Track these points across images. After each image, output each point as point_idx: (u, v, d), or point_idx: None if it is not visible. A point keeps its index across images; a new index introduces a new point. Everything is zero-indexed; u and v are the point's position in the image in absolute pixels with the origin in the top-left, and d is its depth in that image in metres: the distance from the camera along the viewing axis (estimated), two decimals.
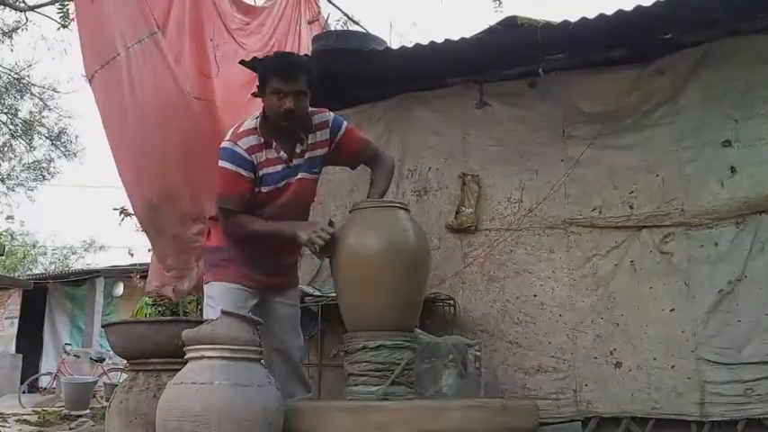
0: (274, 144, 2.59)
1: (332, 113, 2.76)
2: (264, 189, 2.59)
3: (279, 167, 2.61)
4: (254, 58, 4.11)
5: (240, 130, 2.60)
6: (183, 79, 3.67)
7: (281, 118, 2.54)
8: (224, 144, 2.58)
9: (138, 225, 3.70)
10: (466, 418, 2.12)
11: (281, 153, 2.60)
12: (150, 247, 3.85)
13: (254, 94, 2.72)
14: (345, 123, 2.77)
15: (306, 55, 4.31)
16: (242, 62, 4.11)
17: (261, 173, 2.57)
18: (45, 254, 25.15)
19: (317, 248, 2.46)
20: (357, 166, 2.93)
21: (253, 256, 2.64)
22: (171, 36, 3.77)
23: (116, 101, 3.54)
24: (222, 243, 2.70)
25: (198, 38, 4.02)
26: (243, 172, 2.53)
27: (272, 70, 2.56)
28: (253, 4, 5.12)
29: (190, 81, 3.77)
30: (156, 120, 3.53)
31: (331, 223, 2.53)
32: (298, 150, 2.64)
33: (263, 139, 2.57)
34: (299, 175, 2.66)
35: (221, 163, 2.56)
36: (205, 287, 2.73)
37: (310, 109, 2.67)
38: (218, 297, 2.61)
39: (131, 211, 4.06)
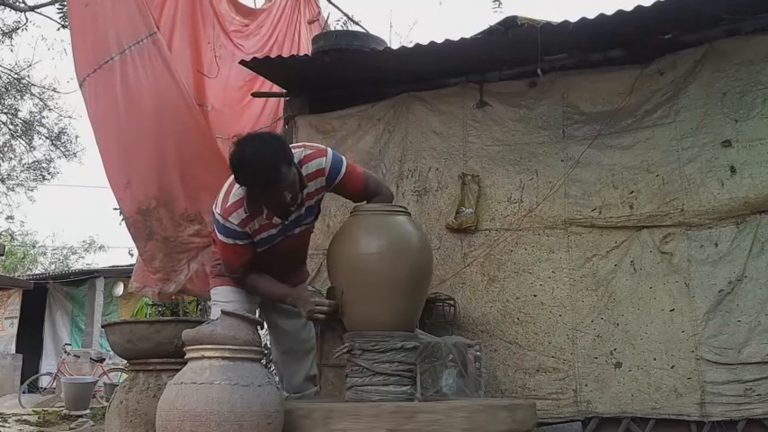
0: (265, 212, 2.49)
1: (329, 156, 2.53)
2: (261, 248, 2.58)
3: (274, 230, 2.55)
4: (254, 58, 4.12)
5: (228, 203, 2.46)
6: (181, 79, 3.66)
7: (284, 210, 2.48)
8: (216, 217, 2.50)
9: (127, 228, 3.67)
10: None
11: (274, 219, 2.52)
12: (136, 249, 3.82)
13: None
14: (345, 165, 2.56)
15: (306, 55, 4.32)
16: (242, 62, 4.11)
17: (257, 238, 2.54)
18: (45, 254, 25.16)
19: (322, 319, 2.48)
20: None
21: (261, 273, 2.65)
22: (164, 37, 3.75)
23: (108, 104, 3.52)
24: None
25: (192, 39, 4.02)
26: (240, 242, 2.49)
27: (256, 187, 2.38)
28: (252, 5, 5.12)
29: (186, 82, 3.77)
30: (153, 121, 3.51)
31: (331, 292, 2.49)
32: (293, 209, 2.54)
33: (249, 213, 2.47)
34: (297, 230, 2.62)
35: (219, 237, 2.51)
36: (212, 291, 2.75)
37: (304, 153, 2.52)
38: (225, 297, 2.63)
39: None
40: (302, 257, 2.87)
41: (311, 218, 2.67)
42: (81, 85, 3.60)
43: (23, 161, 14.77)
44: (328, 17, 5.99)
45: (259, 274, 2.60)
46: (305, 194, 2.53)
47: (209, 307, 3.01)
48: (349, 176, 2.57)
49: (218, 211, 2.48)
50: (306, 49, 4.97)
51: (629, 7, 3.33)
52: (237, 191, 2.45)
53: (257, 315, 2.71)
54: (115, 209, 7.58)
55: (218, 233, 2.50)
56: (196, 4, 4.10)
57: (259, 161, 2.30)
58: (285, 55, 4.31)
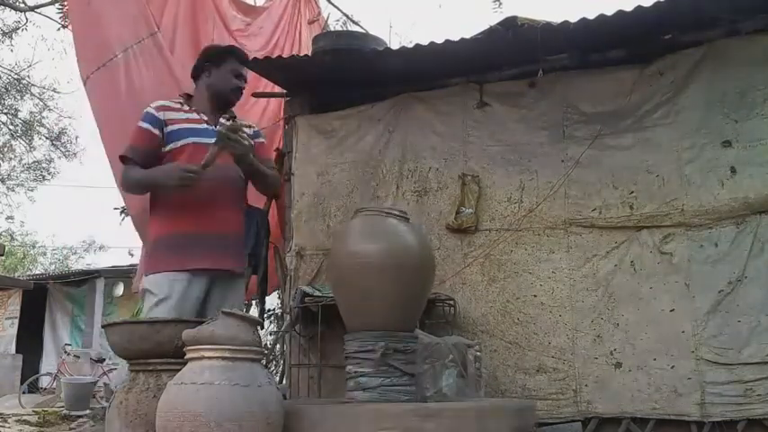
0: (196, 112, 2.82)
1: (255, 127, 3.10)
2: (182, 143, 2.71)
3: (201, 125, 2.79)
4: (255, 58, 4.11)
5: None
6: (182, 79, 3.67)
7: (232, 92, 2.92)
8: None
9: (134, 226, 3.67)
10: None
11: (203, 115, 2.83)
12: (142, 248, 3.82)
13: (194, 76, 2.94)
14: (263, 138, 3.15)
15: (306, 55, 4.32)
16: (243, 62, 4.11)
17: (171, 128, 2.73)
18: (45, 254, 25.16)
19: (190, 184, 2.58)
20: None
21: (190, 240, 2.68)
22: (166, 36, 3.76)
23: (113, 102, 3.53)
24: (159, 233, 2.75)
25: (194, 38, 4.02)
26: (145, 125, 2.73)
27: (233, 54, 2.99)
28: (252, 3, 5.12)
29: (186, 81, 3.77)
30: None
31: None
32: (224, 122, 2.75)
33: (181, 104, 2.81)
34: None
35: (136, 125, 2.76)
36: (145, 278, 2.76)
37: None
38: (161, 287, 2.64)
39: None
40: (236, 194, 2.89)
41: None
42: (84, 84, 3.60)
43: (23, 161, 14.81)
44: (328, 17, 5.99)
45: (138, 168, 2.73)
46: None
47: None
48: (261, 145, 3.06)
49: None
50: (306, 49, 4.97)
51: (629, 7, 3.33)
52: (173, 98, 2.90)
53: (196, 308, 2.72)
54: (116, 209, 7.62)
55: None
56: (197, 3, 4.10)
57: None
58: (286, 55, 4.31)
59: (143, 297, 2.76)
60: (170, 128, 2.75)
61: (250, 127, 2.95)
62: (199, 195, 2.65)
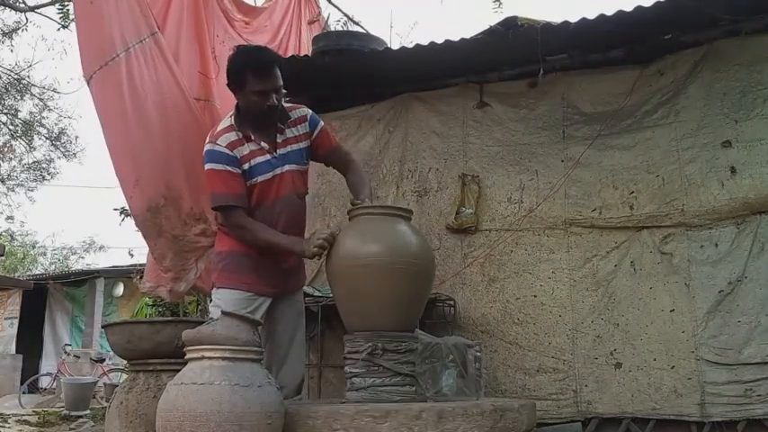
0: (253, 137, 2.61)
1: (309, 109, 2.80)
2: (254, 180, 2.60)
3: (264, 158, 2.62)
4: None
5: (217, 130, 2.61)
6: (182, 78, 3.66)
7: (264, 115, 2.59)
8: (205, 147, 2.59)
9: (137, 226, 3.66)
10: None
11: (263, 143, 2.63)
12: (147, 248, 3.81)
13: (230, 86, 2.71)
14: (322, 122, 2.85)
15: (306, 55, 4.32)
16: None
17: (246, 166, 2.58)
18: (45, 254, 25.16)
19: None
20: (329, 165, 2.96)
21: (263, 261, 2.63)
22: (169, 36, 3.76)
23: (115, 101, 3.52)
24: (233, 248, 2.67)
25: (198, 37, 4.02)
26: (230, 168, 2.55)
27: (249, 69, 2.54)
28: (253, 4, 5.12)
29: (189, 80, 3.77)
30: (158, 119, 3.52)
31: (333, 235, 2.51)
32: (279, 140, 2.67)
33: (241, 134, 2.60)
34: (287, 167, 2.67)
35: (207, 166, 2.57)
36: (214, 292, 2.68)
37: (287, 104, 2.73)
38: (228, 305, 2.53)
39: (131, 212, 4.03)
40: (301, 220, 2.79)
41: (303, 162, 2.76)
42: (88, 83, 3.59)
43: (23, 161, 14.79)
44: (328, 17, 5.98)
45: (260, 224, 2.56)
46: (293, 135, 2.71)
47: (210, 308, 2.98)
48: (325, 132, 2.84)
49: (207, 141, 2.59)
50: (306, 49, 4.97)
51: (629, 7, 3.33)
52: (227, 119, 2.62)
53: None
54: (116, 209, 7.61)
55: (207, 164, 2.56)
56: (200, 2, 4.09)
57: (256, 48, 2.79)
58: (290, 54, 4.30)
59: (211, 308, 2.66)
60: (244, 165, 2.57)
61: (305, 119, 2.76)
62: (272, 220, 2.61)
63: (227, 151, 2.54)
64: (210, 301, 2.76)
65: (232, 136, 2.58)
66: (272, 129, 2.66)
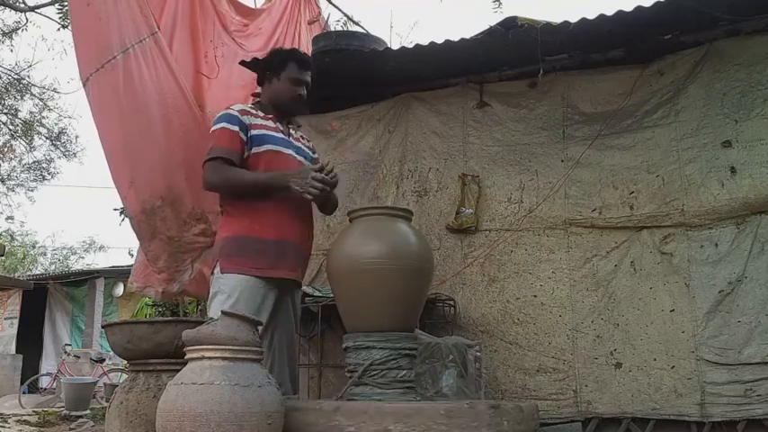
0: (274, 120, 2.77)
1: None
2: (264, 148, 2.65)
3: (278, 134, 2.75)
4: (254, 58, 4.11)
5: (234, 105, 2.77)
6: (182, 78, 3.66)
7: (293, 102, 2.80)
8: (218, 116, 2.72)
9: (131, 227, 3.65)
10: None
11: (278, 124, 2.78)
12: (139, 248, 3.80)
13: (259, 82, 2.90)
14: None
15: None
16: (242, 62, 4.11)
17: (255, 132, 2.66)
18: (45, 254, 25.17)
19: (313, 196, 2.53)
20: None
21: (274, 245, 2.59)
22: (165, 36, 3.75)
23: (112, 104, 3.52)
24: (237, 231, 2.62)
25: (193, 38, 4.01)
26: (234, 128, 2.63)
27: (294, 59, 2.81)
28: (252, 6, 5.12)
29: (187, 82, 3.76)
30: (159, 119, 3.51)
31: (321, 169, 2.56)
32: (293, 133, 2.83)
33: (258, 111, 2.75)
34: (300, 157, 2.78)
35: (214, 126, 2.68)
36: (219, 278, 2.59)
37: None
38: (235, 290, 2.51)
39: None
40: (308, 204, 2.78)
41: (309, 158, 2.87)
42: (84, 85, 3.59)
43: (23, 161, 14.80)
44: (328, 17, 5.98)
45: (236, 168, 2.60)
46: (303, 136, 2.93)
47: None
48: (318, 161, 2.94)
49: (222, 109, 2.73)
50: (306, 49, 4.96)
51: (629, 8, 3.33)
52: (246, 104, 2.81)
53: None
54: (116, 209, 7.61)
55: (214, 125, 2.67)
56: (196, 3, 4.09)
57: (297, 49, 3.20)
58: None
59: (213, 297, 2.58)
60: (252, 132, 2.65)
61: (309, 141, 2.98)
62: (278, 203, 2.60)
63: (236, 114, 2.67)
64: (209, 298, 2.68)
65: (248, 107, 2.75)
66: (288, 122, 2.84)
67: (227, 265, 2.58)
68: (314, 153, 2.96)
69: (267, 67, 2.84)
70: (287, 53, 2.89)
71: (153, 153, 3.52)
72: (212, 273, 2.67)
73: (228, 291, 2.53)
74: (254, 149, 2.64)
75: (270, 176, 2.59)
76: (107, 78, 3.49)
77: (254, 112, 2.73)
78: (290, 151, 2.73)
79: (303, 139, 2.93)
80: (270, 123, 2.73)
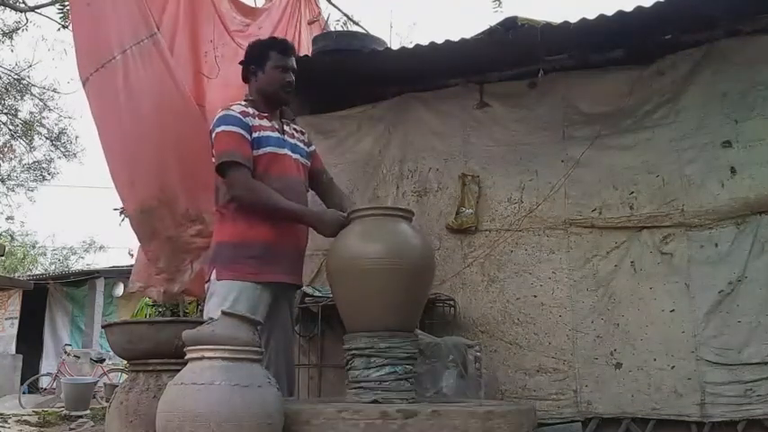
0: (265, 115, 2.74)
1: None
2: (264, 150, 2.64)
3: (275, 134, 2.73)
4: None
5: (230, 104, 2.73)
6: (181, 80, 3.66)
7: (282, 89, 2.77)
8: (217, 115, 2.68)
9: (131, 227, 3.65)
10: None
11: (273, 122, 2.75)
12: (139, 248, 3.80)
13: (244, 79, 2.86)
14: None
15: (306, 55, 4.31)
16: (242, 63, 4.10)
17: (256, 134, 2.65)
18: (45, 254, 25.18)
19: None
20: (313, 184, 2.97)
21: (269, 249, 2.59)
22: (165, 37, 3.75)
23: (111, 104, 3.52)
24: (233, 236, 2.61)
25: (194, 38, 4.01)
26: (240, 131, 2.61)
27: (274, 47, 2.79)
28: (253, 4, 5.11)
29: (186, 82, 3.76)
30: (154, 121, 3.51)
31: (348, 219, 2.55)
32: (286, 129, 2.81)
33: (253, 110, 2.72)
34: (295, 155, 2.78)
35: (217, 129, 2.63)
36: (214, 284, 2.59)
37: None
38: (230, 294, 2.50)
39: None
40: (305, 203, 2.80)
41: (306, 159, 2.88)
42: (84, 85, 3.59)
43: (23, 161, 14.81)
44: (328, 18, 5.98)
45: (267, 187, 2.56)
46: (297, 130, 2.90)
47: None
48: (317, 153, 3.00)
49: (219, 111, 2.70)
50: (306, 49, 4.96)
51: (629, 8, 3.33)
52: (239, 102, 2.75)
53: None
54: (115, 209, 7.60)
55: (218, 127, 2.62)
56: (197, 3, 4.09)
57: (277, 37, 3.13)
58: None
59: (208, 300, 2.58)
60: (254, 135, 2.63)
61: (303, 133, 2.95)
62: (279, 192, 2.58)
63: (238, 115, 2.64)
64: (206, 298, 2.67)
65: (245, 108, 2.70)
66: (280, 114, 2.84)
67: (222, 272, 2.59)
68: (309, 147, 2.94)
69: (249, 61, 2.81)
70: (266, 43, 2.86)
71: (149, 154, 3.52)
72: (208, 279, 2.66)
73: (224, 294, 2.53)
74: (255, 152, 2.63)
75: (301, 212, 2.61)
76: (106, 79, 3.50)
77: (251, 111, 2.70)
78: (285, 150, 2.73)
79: (297, 132, 2.90)
80: (265, 123, 2.72)
